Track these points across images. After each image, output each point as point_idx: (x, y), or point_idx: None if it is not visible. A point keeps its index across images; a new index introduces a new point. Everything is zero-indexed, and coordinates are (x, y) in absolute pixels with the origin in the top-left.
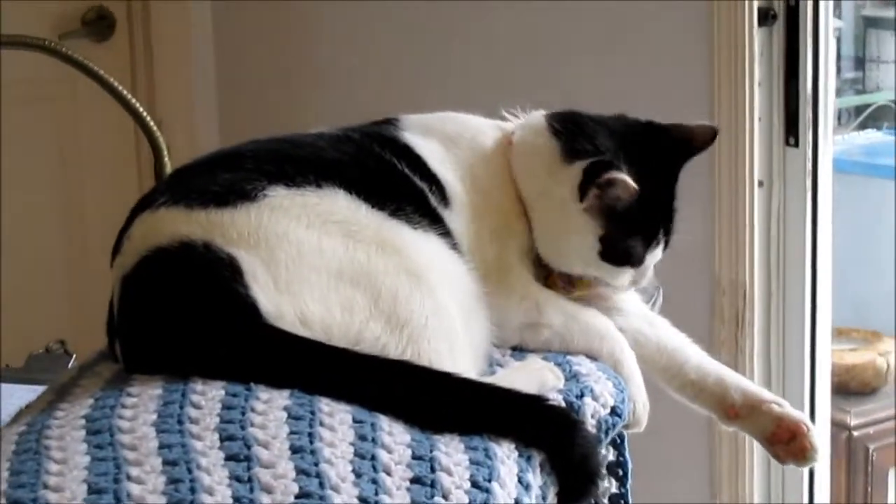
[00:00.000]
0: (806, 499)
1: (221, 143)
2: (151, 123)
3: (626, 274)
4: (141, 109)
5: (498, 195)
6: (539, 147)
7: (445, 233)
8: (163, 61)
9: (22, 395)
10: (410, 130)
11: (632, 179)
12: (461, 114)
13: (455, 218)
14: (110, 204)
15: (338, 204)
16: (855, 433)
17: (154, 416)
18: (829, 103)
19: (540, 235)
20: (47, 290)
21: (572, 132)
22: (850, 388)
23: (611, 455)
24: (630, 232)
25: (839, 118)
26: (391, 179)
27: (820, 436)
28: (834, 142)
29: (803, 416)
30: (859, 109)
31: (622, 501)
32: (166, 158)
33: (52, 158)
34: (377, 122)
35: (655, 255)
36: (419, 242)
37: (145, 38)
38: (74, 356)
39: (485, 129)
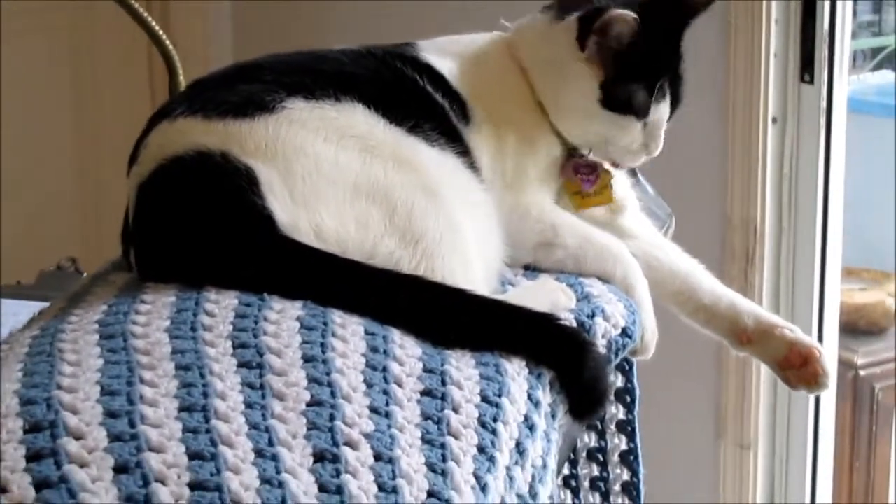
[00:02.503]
0: (811, 436)
1: None
2: (167, 41)
3: (634, 129)
4: (156, 27)
5: (513, 106)
6: (534, 22)
7: (464, 152)
8: None
9: (33, 311)
10: (428, 51)
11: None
12: (462, 35)
13: (475, 135)
14: (122, 124)
15: (356, 118)
16: (861, 372)
17: (167, 323)
18: (846, 41)
19: (550, 105)
20: (59, 208)
21: (564, 7)
22: (858, 327)
23: (619, 381)
24: (631, 77)
25: (854, 60)
26: (411, 96)
27: (831, 362)
28: (849, 81)
29: (815, 341)
30: (875, 52)
31: (629, 428)
32: (181, 76)
33: (66, 81)
34: (396, 45)
35: (661, 111)
36: (436, 160)
37: None
38: (85, 274)
39: (486, 40)
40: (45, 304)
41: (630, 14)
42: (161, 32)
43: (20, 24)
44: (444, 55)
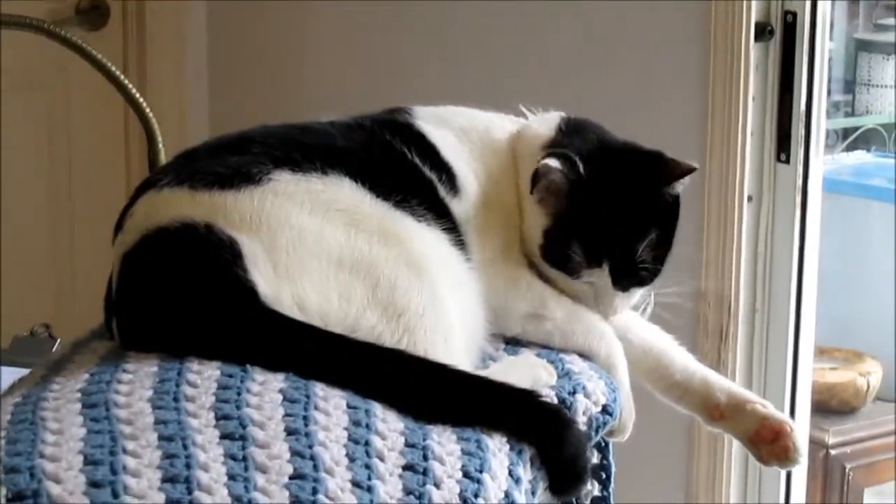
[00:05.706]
0: None
1: (211, 136)
2: (147, 109)
3: (575, 285)
4: (137, 95)
5: (506, 188)
6: (539, 137)
7: (450, 228)
8: (155, 54)
9: (6, 377)
10: (424, 119)
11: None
12: (473, 109)
13: (464, 206)
14: (97, 192)
15: (342, 192)
16: (832, 452)
17: (150, 393)
18: (822, 121)
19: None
20: (33, 274)
21: (569, 133)
22: (830, 406)
23: (595, 458)
24: (570, 235)
25: (827, 139)
26: (399, 170)
27: (802, 438)
28: (823, 161)
29: (787, 417)
30: (847, 132)
31: None
32: (160, 145)
33: (42, 145)
34: (390, 111)
35: (599, 278)
36: (421, 235)
37: (139, 30)
38: (59, 340)
39: (497, 123)
40: (19, 370)
41: (555, 165)
42: (139, 97)
43: None
44: (441, 125)
